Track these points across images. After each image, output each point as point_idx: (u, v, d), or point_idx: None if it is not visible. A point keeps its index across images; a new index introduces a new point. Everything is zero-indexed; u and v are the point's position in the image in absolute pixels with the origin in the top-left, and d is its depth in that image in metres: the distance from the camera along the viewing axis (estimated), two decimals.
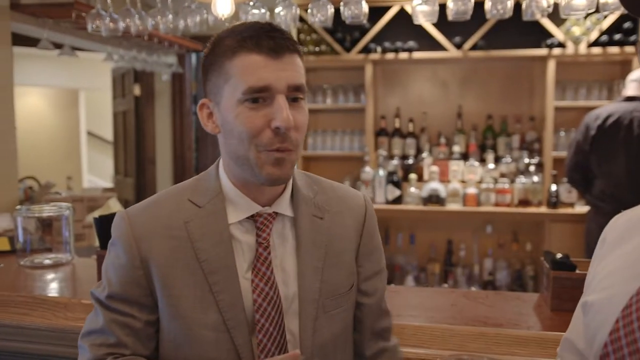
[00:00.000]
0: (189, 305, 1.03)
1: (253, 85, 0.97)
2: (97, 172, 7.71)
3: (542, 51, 3.81)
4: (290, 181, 1.12)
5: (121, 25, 2.60)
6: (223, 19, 2.12)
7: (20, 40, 3.86)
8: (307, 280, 1.08)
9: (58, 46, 4.19)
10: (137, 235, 1.05)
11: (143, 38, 4.01)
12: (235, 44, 0.99)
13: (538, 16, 2.33)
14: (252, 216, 1.07)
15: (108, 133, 7.08)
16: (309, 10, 2.40)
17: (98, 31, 2.65)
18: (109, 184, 6.90)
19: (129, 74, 5.48)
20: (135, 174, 5.48)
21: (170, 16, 2.53)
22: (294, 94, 1.00)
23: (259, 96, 0.98)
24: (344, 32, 4.12)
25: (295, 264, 1.09)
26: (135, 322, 1.05)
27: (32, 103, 7.02)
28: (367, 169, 4.07)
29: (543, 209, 3.79)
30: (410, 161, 4.15)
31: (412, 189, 3.99)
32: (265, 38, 0.98)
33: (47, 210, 2.21)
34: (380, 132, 4.25)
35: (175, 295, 1.03)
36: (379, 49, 4.05)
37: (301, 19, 3.78)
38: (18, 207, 2.29)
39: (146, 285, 1.05)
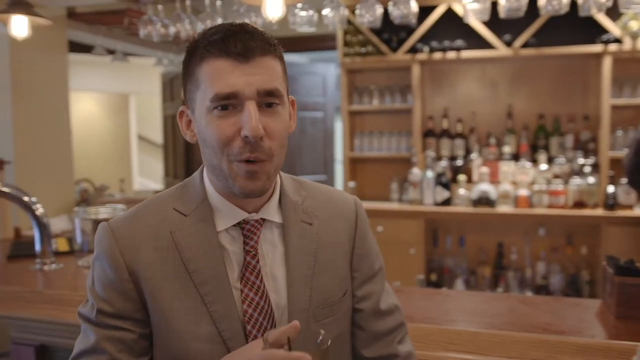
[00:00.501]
0: (181, 318, 0.98)
1: (219, 92, 0.92)
2: (148, 175, 7.90)
3: (597, 47, 3.67)
4: (278, 186, 1.08)
5: (172, 30, 2.66)
6: (273, 21, 2.13)
7: (75, 47, 3.99)
8: (296, 289, 1.03)
9: (110, 52, 4.31)
10: (123, 247, 0.99)
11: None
12: (203, 49, 0.94)
13: (595, 11, 2.25)
14: (239, 223, 1.03)
15: (158, 136, 7.24)
16: (357, 11, 2.39)
17: (150, 37, 2.71)
18: (159, 186, 7.06)
19: (178, 78, 5.58)
20: (185, 175, 5.58)
21: (220, 20, 2.56)
22: (267, 99, 0.94)
23: (227, 103, 0.92)
24: (390, 32, 4.08)
25: (283, 271, 1.04)
26: (129, 335, 0.99)
27: (86, 108, 7.25)
28: (415, 170, 4.01)
29: (599, 211, 3.65)
30: (459, 162, 4.07)
31: (461, 191, 3.91)
32: (233, 41, 0.92)
33: (103, 212, 2.27)
34: (427, 133, 4.18)
35: (167, 308, 0.98)
36: (426, 48, 3.99)
37: (347, 21, 3.77)
38: (75, 209, 2.36)
39: (137, 298, 0.99)
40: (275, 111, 0.96)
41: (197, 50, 0.95)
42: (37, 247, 2.23)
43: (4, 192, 2.18)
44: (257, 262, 1.02)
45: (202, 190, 1.05)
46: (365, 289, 1.14)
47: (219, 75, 0.92)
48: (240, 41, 0.92)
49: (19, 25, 2.25)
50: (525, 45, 3.78)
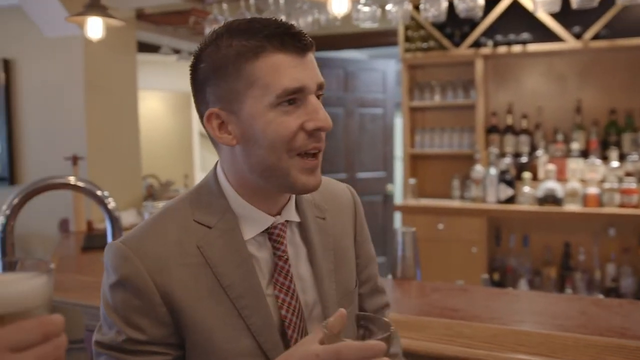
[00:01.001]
0: (222, 337, 0.93)
1: (288, 87, 0.89)
2: (208, 171, 8.09)
3: None
4: None
5: None
6: (338, 17, 2.13)
7: (142, 47, 4.13)
8: (326, 285, 1.04)
9: (176, 52, 4.44)
10: (150, 269, 0.91)
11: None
12: (257, 43, 0.90)
13: None
14: (267, 229, 1.00)
15: None
16: (421, 6, 2.35)
17: None
18: None
19: None
20: None
21: (283, 17, 2.59)
22: (318, 93, 0.95)
23: (294, 97, 0.91)
24: (453, 26, 4.01)
25: (308, 270, 1.04)
26: (163, 359, 0.92)
27: (151, 106, 7.49)
28: (478, 167, 3.93)
29: None
30: (524, 159, 3.95)
31: (526, 189, 3.80)
32: (289, 36, 0.90)
33: None
34: (491, 129, 4.08)
35: (207, 328, 0.92)
36: (490, 42, 3.89)
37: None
38: (144, 203, 2.44)
39: (171, 322, 0.92)
40: (320, 102, 0.96)
41: (244, 46, 0.90)
42: (109, 239, 2.33)
43: (79, 186, 2.28)
44: (287, 264, 1.00)
45: (222, 199, 0.99)
46: (367, 272, 1.18)
47: (284, 70, 0.90)
48: (296, 37, 0.91)
49: (94, 27, 2.35)
50: (596, 37, 3.62)
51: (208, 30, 2.80)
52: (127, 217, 3.18)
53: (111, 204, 2.30)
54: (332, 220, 1.10)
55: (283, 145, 0.91)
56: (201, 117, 0.98)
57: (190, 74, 0.98)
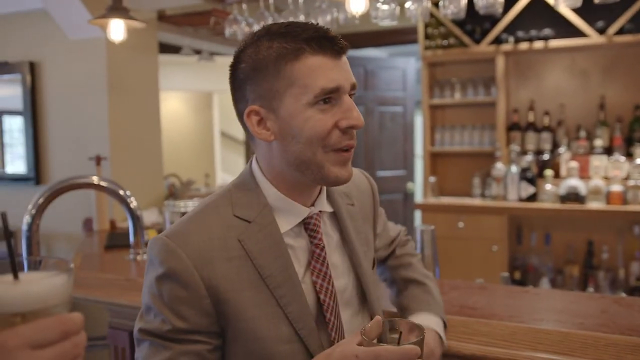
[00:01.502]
0: (264, 325, 0.99)
1: (325, 87, 0.96)
2: (230, 170, 8.13)
3: None
4: None
5: (256, 28, 2.72)
6: (357, 16, 2.13)
7: (164, 48, 4.18)
8: (364, 266, 1.14)
9: (197, 52, 4.48)
10: (197, 263, 0.97)
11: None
12: (297, 45, 0.97)
13: None
14: (302, 220, 1.07)
15: (239, 133, 7.45)
16: (440, 3, 2.34)
17: (235, 35, 2.79)
18: None
19: None
20: None
21: (302, 16, 2.60)
22: (351, 92, 1.02)
23: (330, 97, 0.98)
24: (473, 23, 3.98)
25: (339, 257, 1.12)
26: (204, 347, 0.98)
27: (173, 106, 7.56)
28: (499, 165, 3.89)
29: None
30: (546, 157, 3.91)
31: (548, 186, 3.76)
32: (326, 40, 0.97)
33: (191, 206, 2.37)
34: (512, 127, 4.04)
35: (249, 317, 0.98)
36: (511, 39, 3.85)
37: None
38: (165, 202, 2.48)
39: (214, 312, 0.98)
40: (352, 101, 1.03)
41: (285, 48, 0.97)
42: (131, 238, 2.37)
43: (102, 186, 2.33)
44: (324, 252, 1.08)
45: (259, 194, 1.06)
46: (383, 236, 1.37)
47: (322, 71, 0.96)
48: (332, 40, 0.98)
49: (117, 29, 2.39)
50: (620, 31, 3.56)
51: (228, 30, 2.83)
52: (149, 216, 3.23)
53: (133, 203, 2.35)
54: (358, 206, 1.21)
55: (319, 141, 0.98)
56: (240, 114, 1.04)
57: (230, 73, 1.05)
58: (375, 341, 0.89)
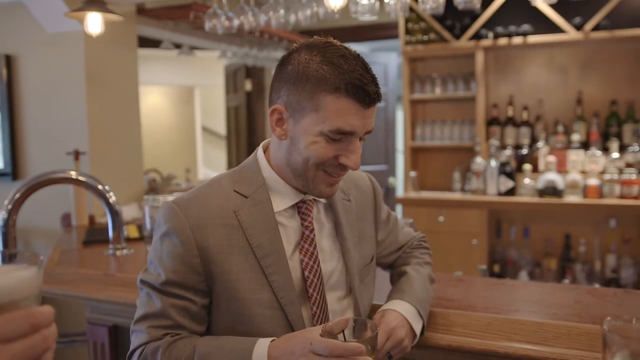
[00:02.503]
0: (246, 288, 1.11)
1: (342, 129, 1.07)
2: (212, 165, 8.10)
3: None
4: None
5: (236, 22, 2.71)
6: (335, 10, 2.13)
7: (143, 42, 4.14)
8: (351, 255, 1.24)
9: (177, 46, 4.44)
10: (193, 225, 1.11)
11: (255, 34, 4.15)
12: (337, 83, 1.05)
13: None
14: (296, 203, 1.19)
15: (221, 128, 7.42)
16: None
17: (214, 29, 2.78)
18: None
19: (241, 70, 5.69)
20: None
21: (282, 11, 2.60)
22: (364, 135, 1.13)
23: (342, 137, 1.09)
24: (453, 19, 4.01)
25: (330, 244, 1.23)
26: (192, 306, 1.12)
27: (153, 101, 7.51)
28: (478, 159, 3.93)
29: None
30: (525, 151, 3.96)
31: (527, 180, 3.81)
32: (363, 90, 1.06)
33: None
34: (492, 122, 4.09)
35: (233, 279, 1.11)
36: (490, 34, 3.89)
37: (409, 8, 3.73)
38: (145, 197, 2.46)
39: (202, 271, 1.11)
40: (362, 143, 1.15)
41: (329, 80, 1.05)
42: (110, 233, 2.35)
43: (80, 180, 2.30)
44: (313, 234, 1.19)
45: (259, 174, 1.19)
46: (390, 239, 1.45)
47: (345, 114, 1.06)
48: (368, 93, 1.06)
49: (94, 22, 2.36)
50: (597, 28, 3.62)
51: (208, 24, 2.80)
52: (129, 211, 3.21)
53: (112, 198, 2.33)
54: (355, 202, 1.31)
55: (315, 163, 1.11)
56: (270, 105, 1.16)
57: (278, 67, 1.15)
58: (341, 337, 1.01)
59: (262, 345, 1.04)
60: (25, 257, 0.66)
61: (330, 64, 1.07)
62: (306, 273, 1.17)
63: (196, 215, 1.12)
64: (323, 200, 1.25)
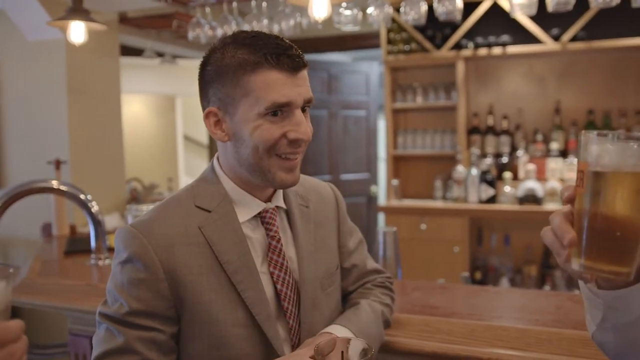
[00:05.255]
0: (220, 308, 1.05)
1: (276, 101, 1.02)
2: (193, 174, 8.04)
3: None
4: None
5: (219, 32, 2.72)
6: (319, 21, 2.16)
7: (125, 51, 4.13)
8: (305, 264, 1.17)
9: (159, 55, 4.44)
10: (157, 247, 1.03)
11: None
12: (256, 59, 1.02)
13: None
14: (259, 213, 1.14)
15: (202, 136, 7.39)
16: (401, 9, 2.38)
17: (198, 39, 2.78)
18: None
19: None
20: None
21: (266, 21, 2.61)
22: (305, 106, 1.08)
23: (281, 110, 1.04)
24: (434, 29, 4.06)
25: (294, 252, 1.17)
26: (160, 336, 1.03)
27: (135, 110, 7.45)
28: (460, 168, 3.98)
29: None
30: (505, 159, 4.02)
31: (507, 188, 3.86)
32: (285, 56, 1.03)
33: None
34: (472, 130, 4.14)
35: (206, 300, 1.04)
36: (471, 44, 3.95)
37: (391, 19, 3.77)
38: (128, 206, 2.45)
39: (170, 296, 1.03)
40: (307, 114, 1.10)
41: (245, 60, 1.03)
42: (93, 243, 2.33)
43: (61, 190, 2.29)
44: (280, 244, 1.14)
45: (219, 187, 1.13)
46: (356, 256, 1.35)
47: (275, 86, 1.02)
48: (290, 57, 1.04)
49: (77, 31, 2.35)
50: (575, 39, 3.70)
51: (191, 34, 2.81)
52: (111, 221, 3.18)
53: (94, 207, 2.31)
54: (314, 209, 1.25)
55: (265, 149, 1.05)
56: (203, 111, 1.11)
57: (199, 73, 1.11)
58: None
59: None
60: None
61: (243, 46, 1.04)
62: (279, 286, 1.11)
63: (159, 237, 1.04)
64: (283, 206, 1.19)
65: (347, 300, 1.33)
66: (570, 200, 0.76)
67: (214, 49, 1.08)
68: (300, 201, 1.23)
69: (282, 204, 1.19)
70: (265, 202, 1.15)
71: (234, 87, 1.04)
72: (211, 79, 1.07)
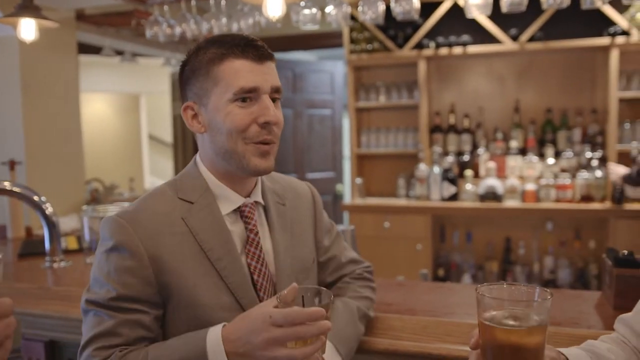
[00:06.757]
0: (204, 293, 1.11)
1: (244, 86, 1.10)
2: (158, 174, 7.95)
3: (604, 40, 3.65)
4: None
5: (177, 30, 2.69)
6: (274, 20, 2.15)
7: (84, 48, 4.04)
8: (281, 259, 1.22)
9: (119, 53, 4.36)
10: (142, 237, 1.09)
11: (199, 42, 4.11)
12: (223, 51, 1.11)
13: (599, 4, 2.25)
14: (238, 207, 1.20)
15: (168, 135, 7.30)
16: (359, 8, 2.40)
17: (156, 37, 2.74)
18: None
19: None
20: None
21: (224, 19, 2.59)
22: (274, 95, 1.15)
23: (248, 96, 1.11)
24: (396, 28, 4.09)
25: (271, 245, 1.23)
26: (145, 317, 1.09)
27: (97, 108, 7.32)
28: (422, 166, 4.02)
29: (607, 205, 3.64)
30: (466, 157, 4.08)
31: (469, 186, 3.92)
32: (250, 47, 1.11)
33: (112, 210, 2.31)
34: (434, 129, 4.19)
35: (191, 285, 1.10)
36: (432, 44, 3.99)
37: (352, 17, 3.78)
38: (84, 207, 2.40)
39: (155, 282, 1.09)
40: (278, 105, 1.17)
41: (214, 53, 1.12)
42: (47, 245, 2.28)
43: (14, 192, 2.23)
44: (257, 237, 1.20)
45: (201, 180, 1.19)
46: (334, 248, 1.41)
47: (242, 73, 1.10)
48: (255, 47, 1.12)
49: (27, 29, 2.29)
50: (532, 39, 3.78)
51: (149, 31, 2.77)
52: (68, 222, 3.11)
53: (49, 209, 2.26)
54: (291, 206, 1.31)
55: (238, 134, 1.11)
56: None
57: (178, 75, 1.20)
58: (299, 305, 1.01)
59: (214, 332, 1.02)
60: None
61: (213, 43, 1.13)
62: (255, 277, 1.16)
63: (144, 226, 1.10)
64: (262, 202, 1.24)
65: None
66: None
67: (190, 52, 1.17)
68: (277, 199, 1.29)
69: (260, 200, 1.24)
70: (245, 197, 1.21)
71: (205, 79, 1.12)
72: (187, 77, 1.16)
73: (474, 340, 0.94)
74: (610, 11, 3.60)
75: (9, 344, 0.66)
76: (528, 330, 0.88)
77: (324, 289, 1.04)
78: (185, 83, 1.17)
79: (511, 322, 0.88)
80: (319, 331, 0.96)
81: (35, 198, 2.24)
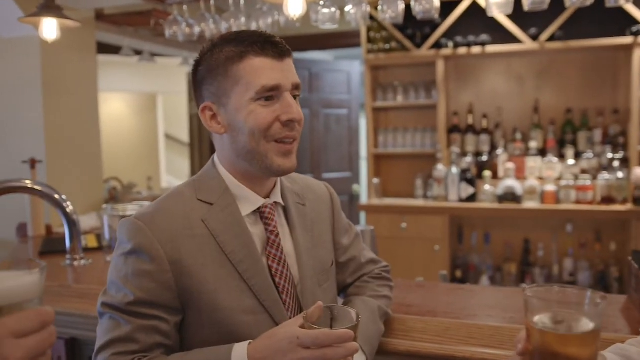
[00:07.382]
0: (226, 296, 1.08)
1: (266, 85, 1.07)
2: (175, 173, 8.00)
3: (626, 39, 3.59)
4: None
5: (197, 30, 2.70)
6: (295, 19, 2.14)
7: (103, 48, 4.07)
8: (304, 261, 1.20)
9: (138, 53, 4.39)
10: (162, 240, 1.06)
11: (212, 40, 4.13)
12: (242, 49, 1.09)
13: (622, 2, 2.21)
14: (259, 209, 1.17)
15: (184, 135, 7.34)
16: (379, 7, 2.38)
17: (175, 37, 2.75)
18: None
19: None
20: None
21: (243, 19, 2.60)
22: (294, 92, 1.13)
23: (270, 94, 1.09)
24: (414, 28, 4.07)
25: (292, 246, 1.20)
26: (163, 324, 1.06)
27: (115, 108, 7.38)
28: (440, 166, 3.99)
29: (629, 207, 3.58)
30: (485, 158, 4.04)
31: (487, 187, 3.88)
32: (268, 44, 1.09)
33: (131, 209, 2.32)
34: (452, 129, 4.16)
35: (212, 290, 1.07)
36: (450, 44, 3.96)
37: (370, 17, 3.77)
38: (104, 206, 2.41)
39: (175, 287, 1.06)
40: (298, 102, 1.15)
41: (232, 52, 1.09)
42: (67, 243, 2.30)
43: (36, 189, 2.25)
44: (278, 238, 1.17)
45: (220, 181, 1.16)
46: (352, 249, 1.38)
47: (263, 71, 1.08)
48: (274, 44, 1.10)
49: (49, 28, 2.31)
50: (552, 38, 3.73)
51: (168, 31, 2.79)
52: (88, 221, 3.14)
53: (69, 207, 2.27)
54: (310, 207, 1.29)
55: (261, 133, 1.09)
56: (198, 110, 1.16)
57: (192, 75, 1.18)
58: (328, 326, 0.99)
59: (240, 348, 0.99)
60: (26, 263, 0.75)
61: (229, 42, 1.10)
62: (277, 279, 1.14)
63: (163, 229, 1.07)
64: (282, 203, 1.22)
65: (345, 294, 1.39)
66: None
67: (204, 51, 1.14)
68: (297, 199, 1.27)
69: (280, 201, 1.22)
70: (264, 198, 1.18)
71: (224, 79, 1.09)
72: (203, 77, 1.13)
73: (521, 346, 0.88)
74: (633, 10, 3.55)
75: (50, 353, 0.69)
76: (587, 336, 0.83)
77: (352, 309, 1.01)
78: (201, 83, 1.15)
79: (566, 329, 0.84)
80: (347, 353, 0.94)
81: (56, 196, 2.25)
